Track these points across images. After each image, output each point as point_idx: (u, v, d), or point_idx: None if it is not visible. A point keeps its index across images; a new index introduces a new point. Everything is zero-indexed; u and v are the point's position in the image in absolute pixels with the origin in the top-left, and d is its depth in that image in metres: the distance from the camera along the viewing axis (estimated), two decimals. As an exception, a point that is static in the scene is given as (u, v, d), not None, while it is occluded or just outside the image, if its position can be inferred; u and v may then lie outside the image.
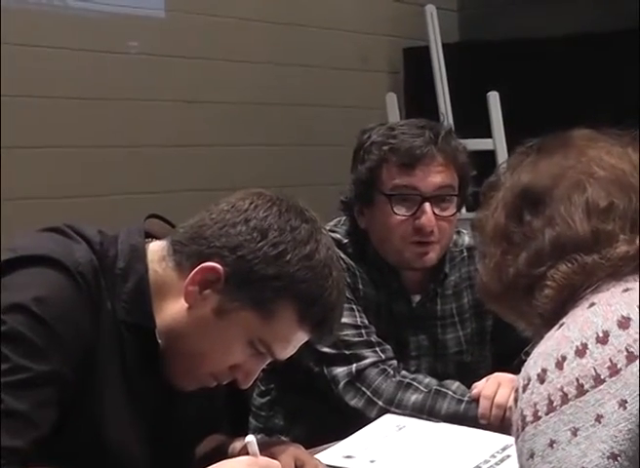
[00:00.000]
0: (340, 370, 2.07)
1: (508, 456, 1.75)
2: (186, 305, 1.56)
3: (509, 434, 1.84)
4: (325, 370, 2.08)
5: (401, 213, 2.11)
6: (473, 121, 4.60)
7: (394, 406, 2.01)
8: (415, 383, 2.04)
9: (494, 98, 4.55)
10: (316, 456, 1.70)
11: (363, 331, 2.11)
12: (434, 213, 2.10)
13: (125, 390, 1.57)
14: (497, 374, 2.02)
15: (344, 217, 2.25)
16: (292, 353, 1.62)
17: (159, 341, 1.59)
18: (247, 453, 1.54)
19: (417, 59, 4.90)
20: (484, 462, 1.73)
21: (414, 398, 2.02)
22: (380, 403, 2.03)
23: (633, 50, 4.38)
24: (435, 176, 2.11)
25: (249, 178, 3.80)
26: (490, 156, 4.52)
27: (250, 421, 2.27)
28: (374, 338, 2.11)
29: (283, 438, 2.12)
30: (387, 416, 1.96)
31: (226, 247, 1.54)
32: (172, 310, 1.58)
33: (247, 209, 1.57)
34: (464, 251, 2.28)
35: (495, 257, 1.27)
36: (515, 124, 4.53)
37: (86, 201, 3.78)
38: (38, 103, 3.73)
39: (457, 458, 1.75)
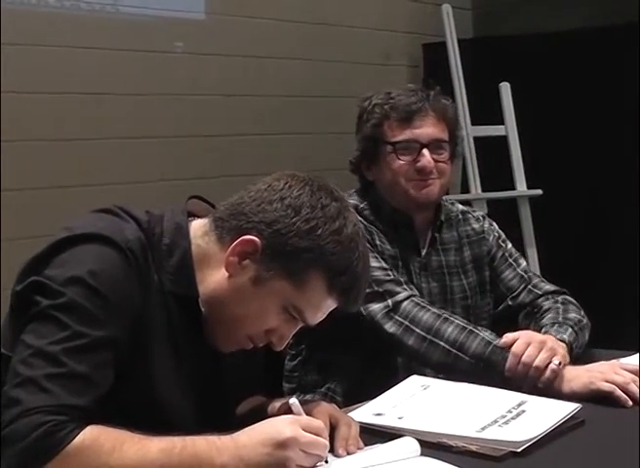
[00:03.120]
0: (376, 306, 2.09)
1: (524, 411, 1.75)
2: (227, 274, 1.57)
3: (528, 391, 1.86)
4: (362, 309, 2.07)
5: (404, 158, 2.21)
6: (487, 110, 4.59)
7: (432, 334, 2.03)
8: (451, 318, 2.06)
9: (505, 89, 4.55)
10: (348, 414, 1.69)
11: (390, 271, 2.14)
12: (432, 157, 2.21)
13: (173, 353, 1.58)
14: (527, 332, 2.04)
15: (354, 189, 2.33)
16: (321, 319, 1.62)
17: (202, 309, 1.60)
18: (287, 413, 1.54)
19: (434, 54, 4.87)
20: (501, 417, 1.72)
21: (450, 330, 2.03)
22: (418, 330, 2.04)
23: (636, 43, 4.36)
24: (429, 128, 2.23)
25: (285, 164, 3.78)
26: (502, 141, 4.52)
27: (283, 385, 2.27)
28: (402, 278, 2.14)
29: (317, 396, 2.13)
30: (413, 377, 1.95)
31: (263, 222, 1.56)
32: (214, 279, 1.59)
33: (282, 188, 1.58)
34: (459, 214, 2.39)
35: None
36: (525, 112, 4.54)
37: (144, 187, 3.82)
38: (97, 99, 3.75)
39: (476, 414, 1.74)
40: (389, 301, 2.09)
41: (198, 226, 1.63)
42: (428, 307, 2.08)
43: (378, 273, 2.11)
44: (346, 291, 1.59)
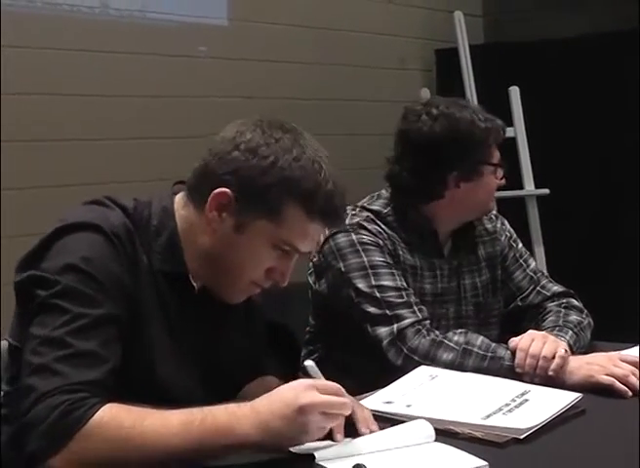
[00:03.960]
0: (382, 331, 2.07)
1: (527, 400, 1.76)
2: (212, 231, 1.59)
3: (541, 382, 1.88)
4: (369, 329, 2.08)
5: (498, 178, 2.26)
6: (497, 112, 4.54)
7: (429, 360, 2.01)
8: (446, 341, 2.03)
9: (515, 92, 4.54)
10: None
11: (403, 292, 2.11)
12: None
13: (168, 332, 1.59)
14: (530, 331, 2.04)
15: (377, 193, 2.28)
16: (314, 246, 1.65)
17: (194, 284, 1.62)
18: None
19: (447, 59, 4.87)
20: (505, 405, 1.73)
21: (445, 355, 2.01)
22: (416, 358, 2.02)
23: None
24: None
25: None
26: (512, 142, 4.51)
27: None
28: (412, 299, 2.11)
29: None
30: (422, 368, 1.96)
31: (227, 173, 1.57)
32: (203, 241, 1.60)
33: (234, 136, 1.60)
34: None
35: None
36: (533, 115, 4.52)
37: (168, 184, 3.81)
38: (125, 101, 3.78)
39: (482, 402, 1.75)
40: (395, 327, 2.06)
41: (178, 200, 1.65)
42: (426, 334, 2.05)
43: (391, 294, 2.09)
44: (324, 210, 1.58)
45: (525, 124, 4.52)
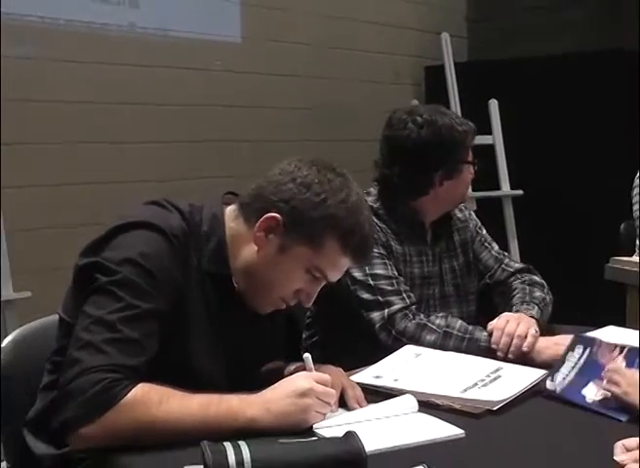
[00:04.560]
0: (375, 315, 2.06)
1: (500, 376, 1.75)
2: (256, 248, 1.59)
3: (513, 360, 1.87)
4: (364, 314, 2.07)
5: (472, 172, 2.27)
6: (478, 122, 4.55)
7: (414, 342, 2.00)
8: (429, 324, 2.02)
9: (493, 105, 4.56)
10: (350, 378, 1.70)
11: (394, 281, 2.10)
12: None
13: (207, 325, 1.58)
14: (505, 314, 2.04)
15: (365, 191, 2.24)
16: (340, 276, 1.65)
17: (235, 285, 1.61)
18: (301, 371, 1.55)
19: (435, 75, 4.87)
20: (480, 380, 1.72)
21: (428, 337, 2.01)
22: (404, 340, 2.01)
23: (615, 67, 4.35)
24: None
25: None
26: (490, 149, 4.51)
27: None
28: (402, 287, 2.10)
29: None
30: (408, 346, 1.95)
31: (281, 200, 1.57)
32: (246, 254, 1.60)
33: (292, 170, 1.60)
34: None
35: None
36: (510, 125, 4.53)
37: (189, 183, 3.83)
38: (147, 109, 3.79)
39: (460, 377, 1.74)
40: (386, 312, 2.05)
41: (229, 212, 1.64)
42: (412, 317, 2.04)
43: (383, 282, 2.09)
44: (357, 248, 1.60)
45: (502, 133, 4.53)
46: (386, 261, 2.12)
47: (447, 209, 2.28)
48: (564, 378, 1.68)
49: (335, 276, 1.63)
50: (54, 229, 3.38)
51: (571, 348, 1.74)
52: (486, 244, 2.36)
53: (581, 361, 1.70)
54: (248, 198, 1.62)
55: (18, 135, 3.30)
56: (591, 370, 1.66)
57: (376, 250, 2.10)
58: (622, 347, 1.64)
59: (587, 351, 1.71)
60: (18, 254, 3.17)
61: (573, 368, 1.70)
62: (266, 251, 1.58)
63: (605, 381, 1.59)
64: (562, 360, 1.72)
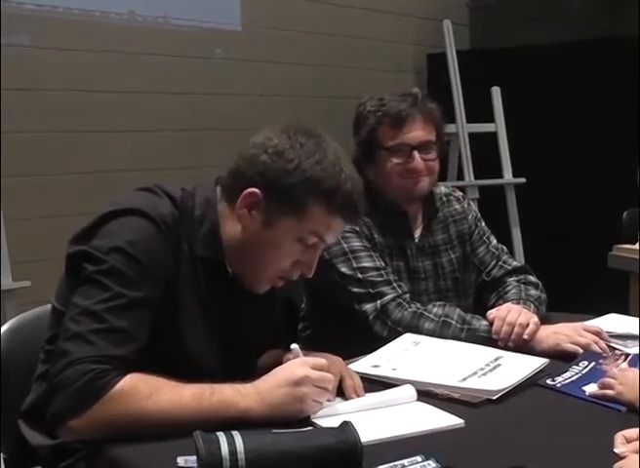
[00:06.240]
0: (368, 307, 2.02)
1: (499, 365, 1.73)
2: (241, 226, 1.56)
3: (513, 348, 1.85)
4: (356, 307, 2.04)
5: (397, 160, 2.11)
6: (480, 110, 4.55)
7: (412, 331, 1.97)
8: (426, 313, 1.99)
9: (496, 92, 4.53)
10: (348, 366, 1.67)
11: (382, 271, 2.06)
12: (421, 158, 2.11)
13: (200, 311, 1.56)
14: (506, 304, 2.02)
15: None
16: (335, 238, 1.62)
17: (229, 270, 1.58)
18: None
19: (437, 63, 4.84)
20: (480, 369, 1.70)
21: (426, 325, 1.97)
22: (401, 329, 1.98)
23: (615, 55, 4.32)
24: (418, 131, 2.11)
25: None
26: (493, 136, 4.49)
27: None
28: (391, 277, 2.06)
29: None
30: (407, 335, 1.93)
31: (257, 173, 1.54)
32: (234, 234, 1.57)
33: (263, 141, 1.57)
34: (443, 197, 2.29)
35: None
36: (512, 112, 4.51)
37: (197, 171, 3.74)
38: (147, 97, 3.76)
39: (459, 366, 1.72)
40: (378, 303, 2.02)
41: (218, 196, 1.61)
42: (407, 306, 2.01)
43: (372, 274, 2.05)
44: (345, 206, 1.56)
45: (505, 121, 4.51)
46: (372, 253, 2.08)
47: (394, 198, 2.16)
48: (565, 379, 1.67)
49: (331, 237, 1.60)
50: (53, 218, 3.36)
51: (575, 363, 1.74)
52: (484, 238, 2.30)
53: (585, 370, 1.71)
54: (227, 179, 1.60)
55: (17, 123, 3.28)
56: (594, 375, 1.66)
57: (360, 243, 2.07)
58: (627, 355, 1.63)
59: (593, 363, 1.72)
60: (17, 244, 3.15)
61: (576, 374, 1.69)
62: (252, 228, 1.55)
63: (599, 386, 1.58)
64: (564, 369, 1.71)
